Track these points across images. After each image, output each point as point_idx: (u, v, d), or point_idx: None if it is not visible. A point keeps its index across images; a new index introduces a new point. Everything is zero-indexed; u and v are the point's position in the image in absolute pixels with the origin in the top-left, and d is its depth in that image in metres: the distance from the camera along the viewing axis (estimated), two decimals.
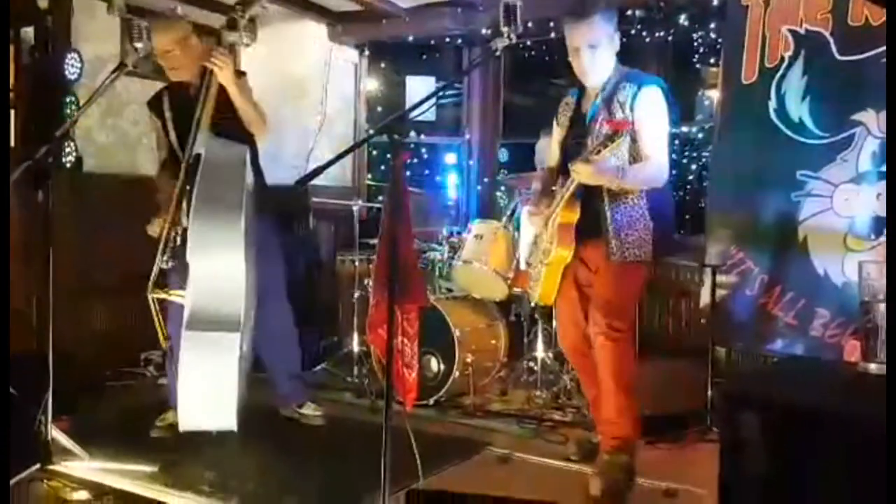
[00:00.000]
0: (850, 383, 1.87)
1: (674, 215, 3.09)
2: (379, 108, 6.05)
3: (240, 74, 3.43)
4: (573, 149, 2.88)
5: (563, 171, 2.95)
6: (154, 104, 3.51)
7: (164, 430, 3.38)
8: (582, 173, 2.69)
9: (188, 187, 3.10)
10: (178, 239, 3.12)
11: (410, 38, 5.49)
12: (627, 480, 2.80)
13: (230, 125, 3.28)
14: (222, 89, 3.23)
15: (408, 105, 5.35)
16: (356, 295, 4.53)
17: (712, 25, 4.50)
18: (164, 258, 3.12)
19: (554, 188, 3.05)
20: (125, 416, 3.64)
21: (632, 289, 2.97)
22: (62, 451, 2.96)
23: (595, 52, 2.81)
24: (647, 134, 2.81)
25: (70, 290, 3.81)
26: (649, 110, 2.80)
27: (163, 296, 3.12)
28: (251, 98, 3.39)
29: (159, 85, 3.61)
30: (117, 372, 4.25)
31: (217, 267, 2.95)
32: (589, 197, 2.84)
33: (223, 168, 3.06)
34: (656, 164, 2.84)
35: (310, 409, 3.65)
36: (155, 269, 3.12)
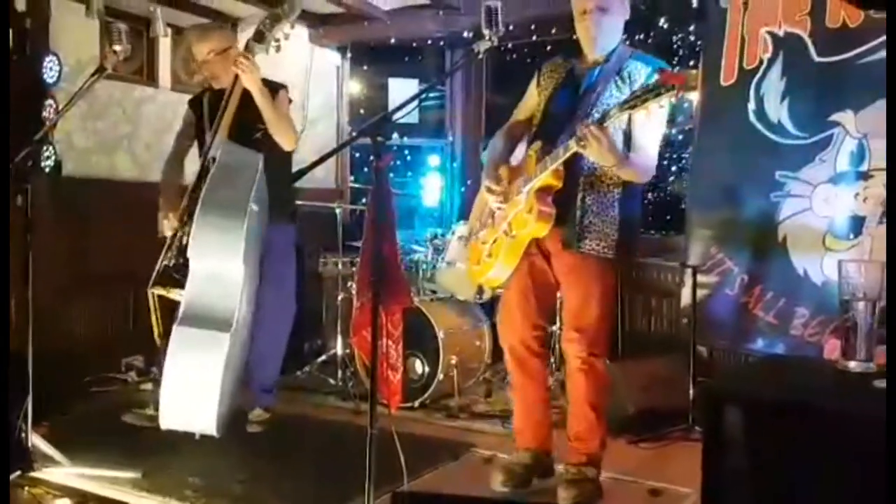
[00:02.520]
0: (831, 381, 1.88)
1: (640, 216, 2.93)
2: (361, 111, 6.04)
3: (279, 87, 3.49)
4: (559, 117, 2.70)
5: (543, 137, 2.72)
6: (194, 102, 3.62)
7: (138, 418, 3.38)
8: (593, 142, 2.41)
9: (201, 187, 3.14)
10: (186, 239, 3.11)
11: (392, 41, 5.49)
12: (596, 491, 2.75)
13: (258, 135, 3.32)
14: (251, 98, 3.27)
15: (390, 107, 5.34)
16: (340, 297, 4.52)
17: (691, 28, 4.54)
18: (169, 255, 3.13)
19: (512, 158, 2.88)
20: (106, 422, 3.60)
21: (604, 301, 2.73)
22: (43, 457, 2.94)
23: (605, 16, 2.63)
24: (648, 125, 2.63)
25: (50, 295, 3.78)
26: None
27: (162, 292, 3.12)
28: (281, 109, 3.43)
29: (140, 88, 3.60)
30: (98, 377, 4.21)
31: (214, 267, 2.96)
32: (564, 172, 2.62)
33: (234, 172, 3.08)
34: (651, 156, 2.70)
35: (255, 416, 3.61)
36: (158, 266, 3.13)
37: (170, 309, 3.14)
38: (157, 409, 3.07)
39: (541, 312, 2.87)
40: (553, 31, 4.72)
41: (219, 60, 3.43)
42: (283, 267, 3.55)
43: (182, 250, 3.08)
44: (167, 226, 3.33)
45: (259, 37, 3.24)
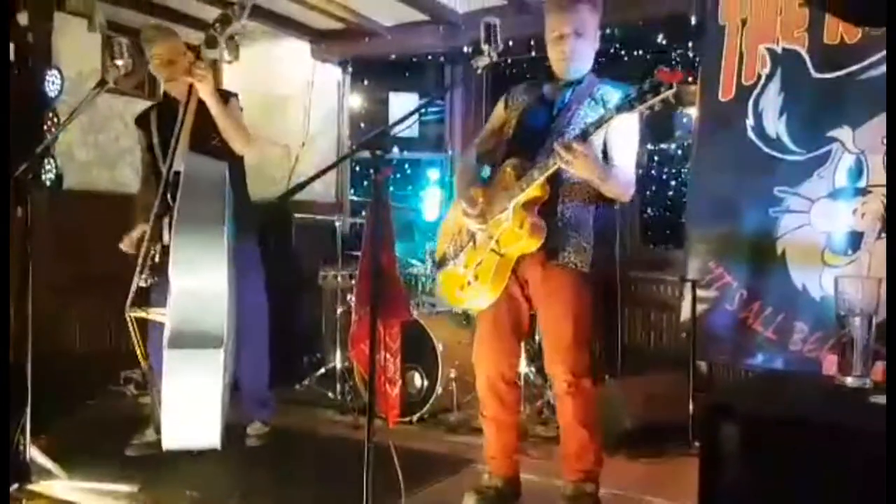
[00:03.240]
0: (828, 397, 1.88)
1: (616, 232, 2.93)
2: (362, 125, 6.07)
3: (230, 95, 3.47)
4: (532, 134, 2.71)
5: (518, 154, 2.72)
6: (141, 121, 3.54)
7: (139, 448, 3.36)
8: (579, 157, 2.42)
9: (168, 204, 3.09)
10: (158, 257, 3.10)
11: (393, 56, 5.52)
12: None
13: (214, 142, 3.30)
14: (204, 106, 3.24)
15: (391, 121, 5.37)
16: (339, 310, 4.52)
17: (690, 44, 4.57)
18: (143, 276, 3.10)
19: (482, 180, 2.86)
20: (105, 435, 3.60)
21: (583, 318, 2.71)
22: (41, 470, 2.93)
23: (579, 41, 2.68)
24: (624, 144, 2.68)
25: (49, 308, 3.78)
26: (631, 122, 2.62)
27: (142, 315, 3.08)
28: (235, 116, 3.41)
29: (141, 102, 3.62)
30: (97, 390, 4.21)
31: (200, 283, 2.93)
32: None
33: (203, 184, 3.06)
34: (630, 173, 2.69)
35: (253, 429, 3.61)
36: (133, 287, 3.08)
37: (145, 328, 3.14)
38: (157, 432, 3.06)
39: (515, 340, 2.86)
40: None
41: (178, 63, 3.37)
42: (252, 277, 3.53)
43: (155, 269, 3.07)
44: (128, 242, 3.31)
45: (211, 42, 3.13)
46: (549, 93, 2.80)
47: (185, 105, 3.22)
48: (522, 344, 3.21)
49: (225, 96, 3.41)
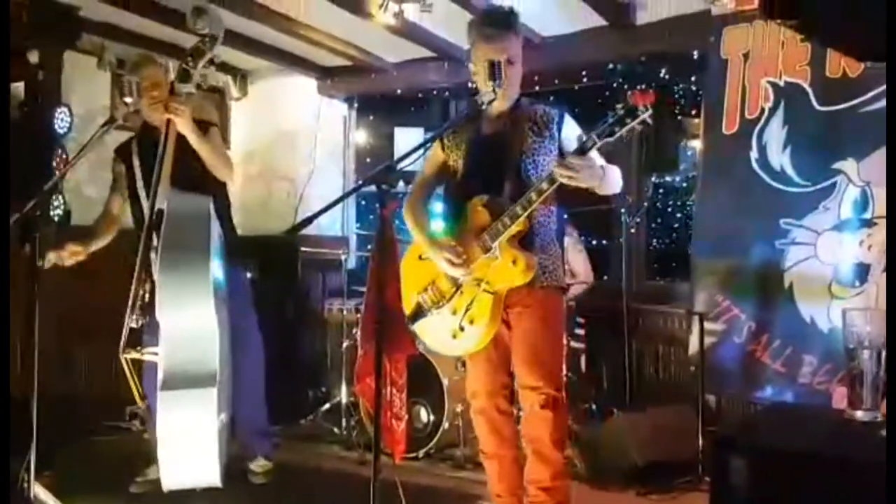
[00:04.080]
0: (838, 431, 1.86)
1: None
2: (368, 160, 6.10)
3: (209, 125, 3.43)
4: (485, 167, 2.72)
5: (479, 189, 2.72)
6: (122, 151, 3.51)
7: (143, 486, 3.34)
8: (583, 171, 2.49)
9: (152, 244, 3.09)
10: (147, 296, 3.07)
11: (398, 91, 5.57)
12: None
13: (196, 172, 3.27)
14: (184, 141, 3.22)
15: (396, 156, 5.40)
16: (345, 345, 4.50)
17: (693, 77, 4.60)
18: (134, 316, 3.06)
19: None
20: (110, 472, 3.58)
21: (557, 329, 2.76)
22: None
23: (512, 68, 2.69)
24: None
25: (55, 344, 3.78)
26: (576, 130, 2.72)
27: (136, 356, 3.05)
28: (216, 145, 3.38)
29: None
30: (103, 426, 4.19)
31: (188, 322, 2.89)
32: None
33: (187, 221, 3.03)
34: (608, 164, 2.72)
35: (257, 465, 3.58)
36: (125, 329, 3.05)
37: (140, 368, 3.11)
38: (157, 472, 3.03)
39: (504, 368, 2.82)
40: (556, 81, 4.80)
41: (164, 90, 3.33)
42: (243, 304, 3.51)
43: (145, 309, 3.05)
44: (51, 257, 3.24)
45: (184, 76, 3.16)
46: (487, 123, 2.80)
47: (164, 140, 3.19)
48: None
49: (204, 127, 3.38)
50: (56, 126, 4.01)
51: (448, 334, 2.74)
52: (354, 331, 4.36)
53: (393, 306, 2.34)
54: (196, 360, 2.88)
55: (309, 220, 2.31)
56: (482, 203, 2.70)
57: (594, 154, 2.64)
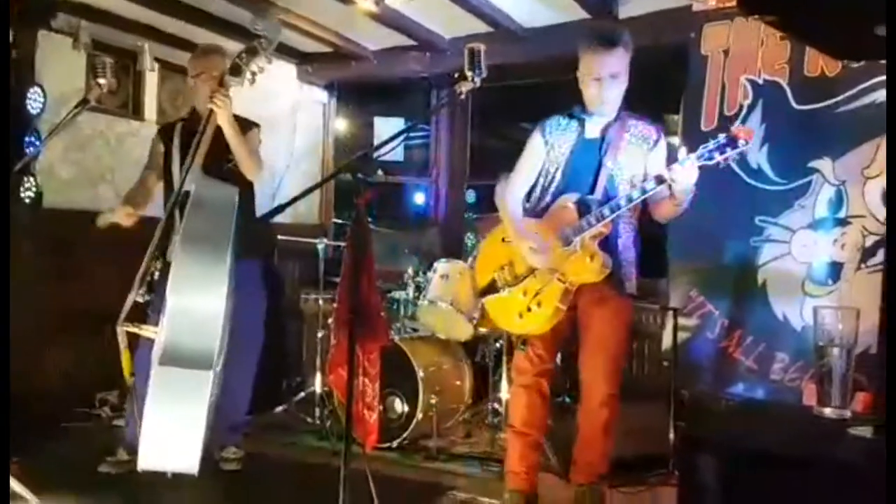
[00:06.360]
0: (808, 428, 1.88)
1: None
2: (347, 148, 6.07)
3: (252, 125, 3.53)
4: (583, 170, 2.91)
5: (572, 189, 2.91)
6: (165, 132, 3.59)
7: (114, 466, 3.31)
8: (690, 176, 2.65)
9: (174, 222, 3.13)
10: (157, 273, 3.07)
11: (379, 80, 5.54)
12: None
13: (229, 165, 3.35)
14: (222, 134, 3.27)
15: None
16: (320, 334, 4.48)
17: (672, 74, 4.60)
18: (141, 291, 3.05)
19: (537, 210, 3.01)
20: (78, 459, 3.52)
21: (629, 336, 3.05)
22: (12, 496, 2.86)
23: (615, 83, 2.86)
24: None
25: (26, 329, 3.71)
26: (665, 153, 2.95)
27: (134, 330, 3.03)
28: (251, 145, 3.46)
29: (124, 121, 3.59)
30: (72, 413, 4.14)
31: (197, 304, 2.87)
32: None
33: (211, 207, 3.03)
34: None
35: (229, 453, 3.57)
36: (128, 302, 3.03)
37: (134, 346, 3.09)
38: (129, 454, 3.00)
39: (553, 357, 3.05)
40: (537, 73, 4.79)
41: (203, 84, 3.42)
42: (252, 300, 3.52)
43: (152, 286, 3.04)
44: (108, 216, 3.32)
45: (236, 70, 3.23)
46: (590, 130, 2.96)
47: (204, 127, 3.25)
48: None
49: (247, 126, 3.47)
50: (29, 107, 3.94)
51: (515, 313, 2.95)
52: (330, 320, 4.33)
53: (367, 296, 2.32)
54: (197, 341, 2.85)
55: (283, 207, 2.30)
56: (572, 201, 2.87)
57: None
